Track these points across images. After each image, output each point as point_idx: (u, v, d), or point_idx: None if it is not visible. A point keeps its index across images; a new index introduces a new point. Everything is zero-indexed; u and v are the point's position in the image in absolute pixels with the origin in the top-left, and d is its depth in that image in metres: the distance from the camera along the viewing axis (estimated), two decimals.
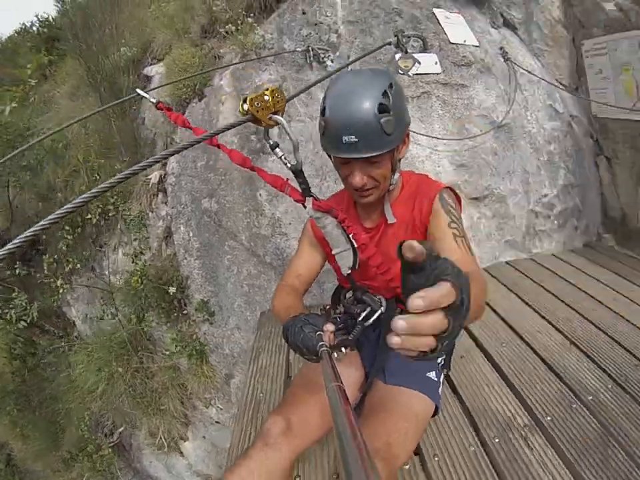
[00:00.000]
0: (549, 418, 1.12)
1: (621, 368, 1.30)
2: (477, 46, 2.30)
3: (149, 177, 2.40)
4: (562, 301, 1.82)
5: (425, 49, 2.15)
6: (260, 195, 2.06)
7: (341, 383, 0.51)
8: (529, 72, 2.41)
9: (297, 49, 2.24)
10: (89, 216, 2.49)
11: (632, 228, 2.66)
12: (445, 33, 2.25)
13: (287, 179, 1.00)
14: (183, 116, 1.26)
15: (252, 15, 2.52)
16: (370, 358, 1.13)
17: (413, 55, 2.11)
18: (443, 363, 1.11)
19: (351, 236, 1.04)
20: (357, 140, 0.87)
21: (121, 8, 3.32)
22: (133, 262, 2.31)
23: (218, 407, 2.36)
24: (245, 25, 2.47)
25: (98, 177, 2.59)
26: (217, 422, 2.44)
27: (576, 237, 2.63)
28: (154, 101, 1.39)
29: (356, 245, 1.05)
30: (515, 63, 2.37)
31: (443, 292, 0.36)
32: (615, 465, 0.96)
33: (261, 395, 1.44)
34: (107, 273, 2.64)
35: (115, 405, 2.37)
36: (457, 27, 2.30)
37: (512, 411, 1.18)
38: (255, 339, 1.85)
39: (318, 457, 1.13)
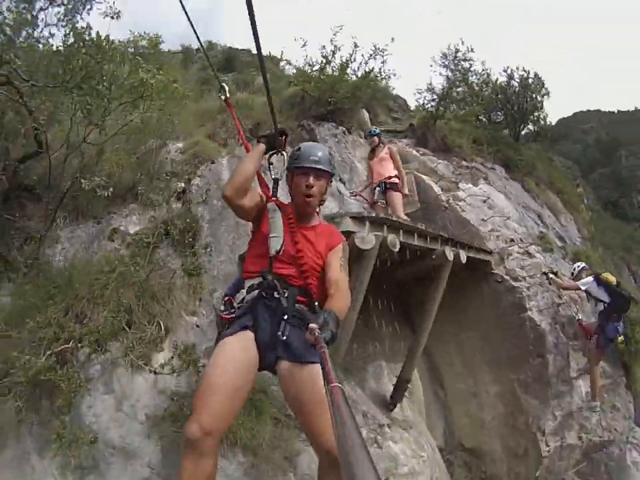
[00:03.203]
0: None
1: None
2: None
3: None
4: None
5: None
6: None
7: (339, 383, 0.73)
8: None
9: None
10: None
11: None
12: None
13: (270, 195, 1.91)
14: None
15: None
16: (265, 336, 1.60)
17: None
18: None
19: (284, 228, 1.74)
20: (318, 159, 1.79)
21: None
22: None
23: (202, 312, 3.86)
24: None
25: None
26: (197, 326, 3.58)
27: None
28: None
29: (284, 236, 1.72)
30: None
31: (313, 325, 1.29)
32: None
33: None
34: None
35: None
36: None
37: None
38: None
39: None
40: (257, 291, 1.68)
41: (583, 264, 5.55)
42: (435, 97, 9.36)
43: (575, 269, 5.46)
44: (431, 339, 5.72)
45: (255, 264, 1.75)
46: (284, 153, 1.90)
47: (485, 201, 6.24)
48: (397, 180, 5.00)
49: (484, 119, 10.35)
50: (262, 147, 1.84)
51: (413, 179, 5.81)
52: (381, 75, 7.56)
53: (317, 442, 1.45)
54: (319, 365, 1.38)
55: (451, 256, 4.10)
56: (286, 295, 1.65)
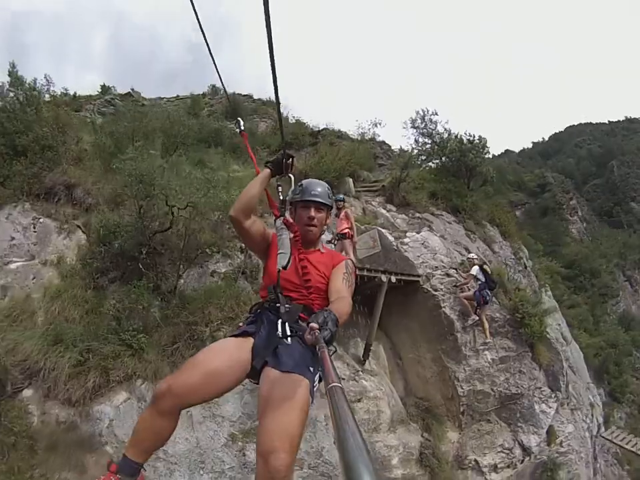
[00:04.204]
0: None
1: None
2: None
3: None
4: None
5: None
6: None
7: (340, 382, 0.75)
8: None
9: None
10: None
11: None
12: None
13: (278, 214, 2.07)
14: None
15: None
16: (261, 342, 1.78)
17: None
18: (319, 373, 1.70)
19: (291, 245, 1.92)
20: (318, 194, 2.00)
21: None
22: None
23: None
24: None
25: None
26: None
27: None
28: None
29: (292, 253, 1.89)
30: None
31: (314, 324, 1.32)
32: None
33: None
34: None
35: None
36: None
37: None
38: None
39: None
40: (264, 303, 1.94)
41: (473, 254, 9.61)
42: (405, 159, 13.52)
43: (469, 258, 9.52)
44: (391, 329, 9.87)
45: (266, 288, 1.97)
46: (291, 176, 2.07)
47: (422, 244, 10.32)
48: (346, 231, 7.76)
49: (448, 170, 14.24)
50: (267, 171, 2.02)
51: (377, 231, 9.94)
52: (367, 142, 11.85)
53: (259, 441, 1.45)
54: (304, 378, 1.60)
55: (384, 279, 8.23)
56: (288, 309, 1.81)
